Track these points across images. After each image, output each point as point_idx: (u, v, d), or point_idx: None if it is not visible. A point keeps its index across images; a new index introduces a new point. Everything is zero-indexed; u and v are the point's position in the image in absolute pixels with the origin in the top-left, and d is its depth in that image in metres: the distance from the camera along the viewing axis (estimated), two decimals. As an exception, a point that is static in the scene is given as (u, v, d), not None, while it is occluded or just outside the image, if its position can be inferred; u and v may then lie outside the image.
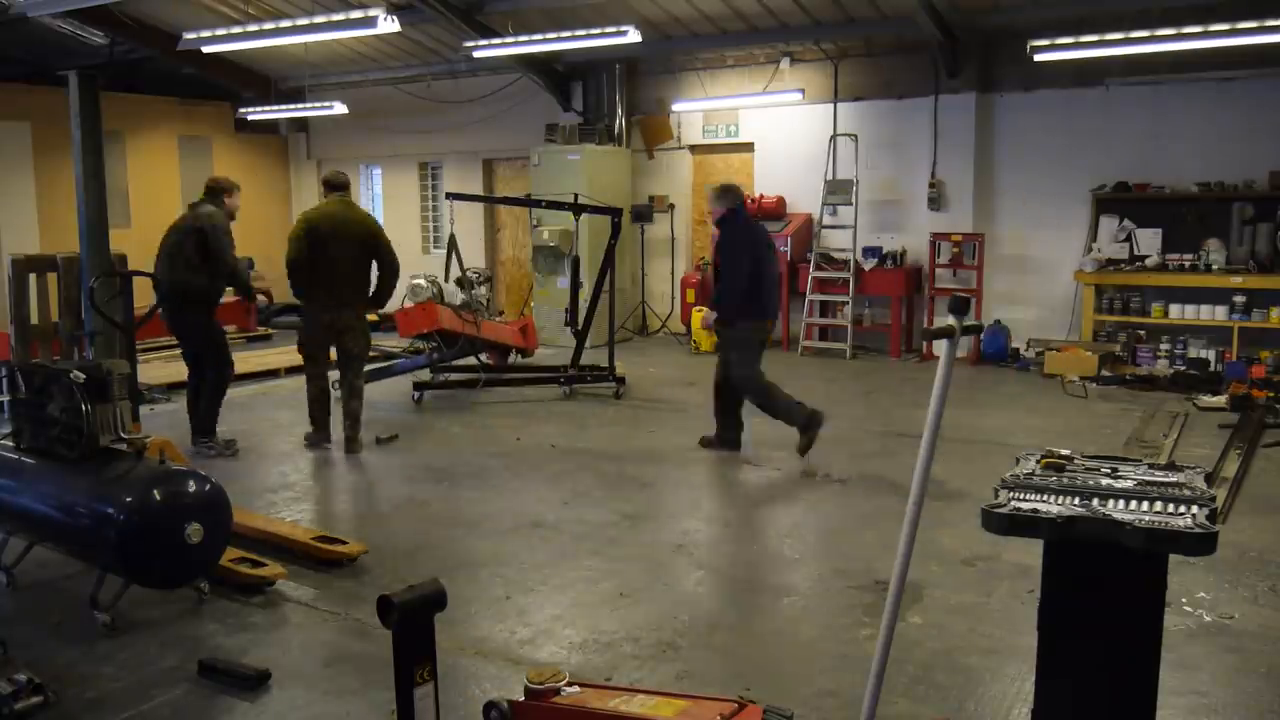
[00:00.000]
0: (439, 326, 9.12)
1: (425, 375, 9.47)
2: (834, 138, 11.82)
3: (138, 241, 9.78)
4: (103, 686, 3.78)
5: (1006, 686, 3.73)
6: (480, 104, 13.97)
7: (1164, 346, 10.18)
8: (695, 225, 13.40)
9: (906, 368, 10.92)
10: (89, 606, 4.29)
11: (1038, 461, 2.86)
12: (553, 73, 13.13)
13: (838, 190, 11.65)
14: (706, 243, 12.73)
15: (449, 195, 9.69)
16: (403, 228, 15.77)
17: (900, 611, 3.01)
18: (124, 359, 5.72)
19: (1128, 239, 10.45)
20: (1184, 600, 4.47)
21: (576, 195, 9.32)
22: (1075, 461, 2.86)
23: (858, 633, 4.21)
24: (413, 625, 2.79)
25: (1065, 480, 2.70)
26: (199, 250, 6.99)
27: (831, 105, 11.96)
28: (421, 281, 11.86)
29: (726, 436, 7.24)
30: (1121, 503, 2.54)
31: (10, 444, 4.79)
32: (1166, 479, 2.70)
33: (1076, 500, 2.56)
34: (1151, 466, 2.84)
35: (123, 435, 4.49)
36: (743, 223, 7.12)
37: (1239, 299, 9.74)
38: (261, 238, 13.79)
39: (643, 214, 12.86)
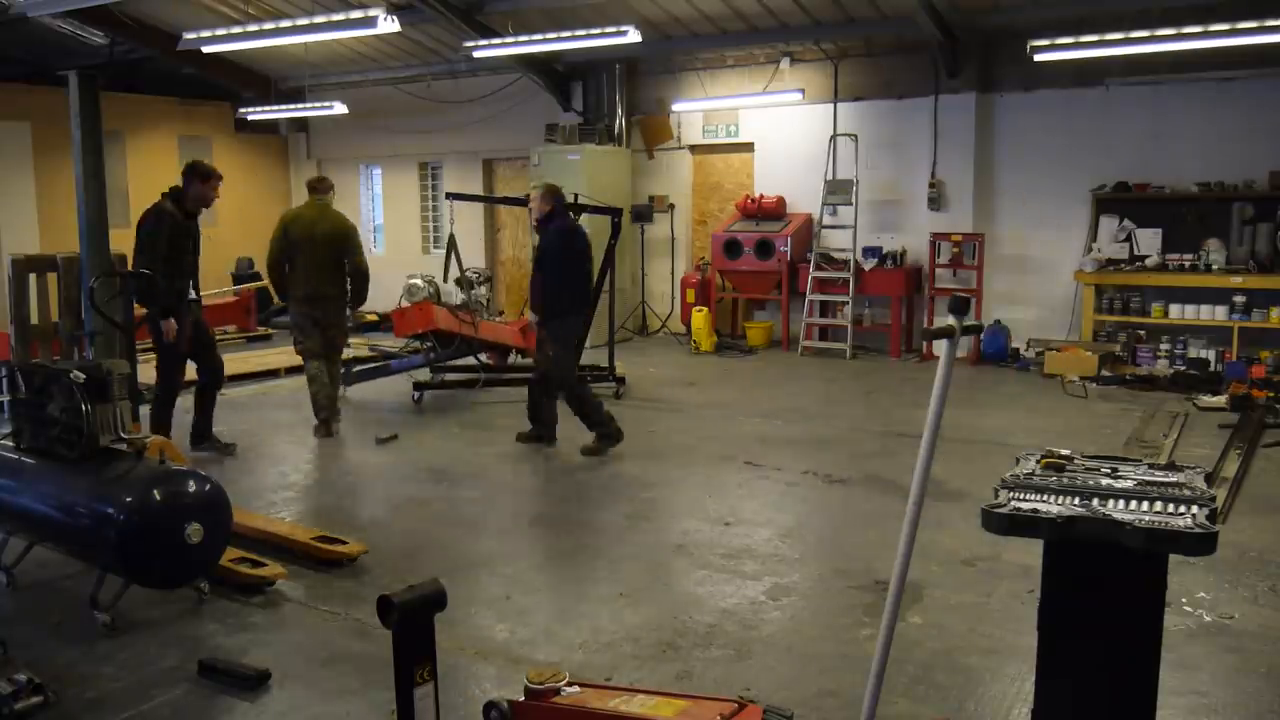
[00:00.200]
0: (434, 327, 9.12)
1: (425, 375, 9.47)
2: (834, 138, 11.82)
3: (137, 241, 9.76)
4: (103, 686, 3.78)
5: (1006, 686, 3.73)
6: (480, 104, 13.97)
7: (1164, 346, 10.18)
8: (695, 225, 13.41)
9: (906, 368, 10.92)
10: (89, 606, 4.29)
11: (1038, 461, 2.86)
12: (553, 73, 13.13)
13: (838, 190, 11.65)
14: (707, 243, 12.75)
15: (449, 195, 9.71)
16: (403, 228, 15.82)
17: (900, 611, 3.01)
18: (124, 359, 5.70)
19: (1128, 239, 10.45)
20: (1184, 600, 4.47)
21: (576, 195, 9.31)
22: (1075, 461, 2.87)
23: (858, 633, 4.21)
24: (413, 625, 2.79)
25: (1065, 480, 2.71)
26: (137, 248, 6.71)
27: (831, 105, 11.96)
28: (418, 281, 11.86)
29: (542, 432, 7.46)
30: (1121, 503, 2.54)
31: (10, 444, 4.79)
32: (1166, 479, 2.70)
33: (1076, 500, 2.56)
34: (1151, 466, 2.84)
35: (123, 435, 4.50)
36: (561, 225, 7.23)
37: (1239, 299, 9.74)
38: (262, 238, 13.59)
39: (643, 214, 12.85)
